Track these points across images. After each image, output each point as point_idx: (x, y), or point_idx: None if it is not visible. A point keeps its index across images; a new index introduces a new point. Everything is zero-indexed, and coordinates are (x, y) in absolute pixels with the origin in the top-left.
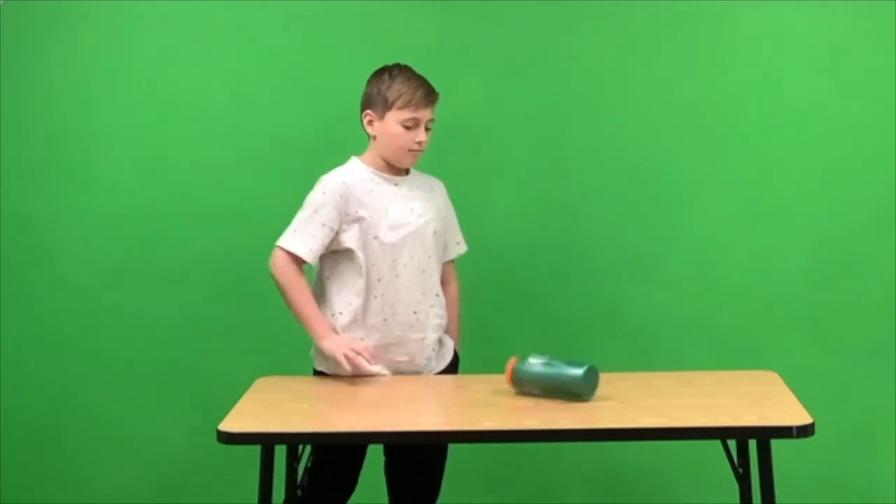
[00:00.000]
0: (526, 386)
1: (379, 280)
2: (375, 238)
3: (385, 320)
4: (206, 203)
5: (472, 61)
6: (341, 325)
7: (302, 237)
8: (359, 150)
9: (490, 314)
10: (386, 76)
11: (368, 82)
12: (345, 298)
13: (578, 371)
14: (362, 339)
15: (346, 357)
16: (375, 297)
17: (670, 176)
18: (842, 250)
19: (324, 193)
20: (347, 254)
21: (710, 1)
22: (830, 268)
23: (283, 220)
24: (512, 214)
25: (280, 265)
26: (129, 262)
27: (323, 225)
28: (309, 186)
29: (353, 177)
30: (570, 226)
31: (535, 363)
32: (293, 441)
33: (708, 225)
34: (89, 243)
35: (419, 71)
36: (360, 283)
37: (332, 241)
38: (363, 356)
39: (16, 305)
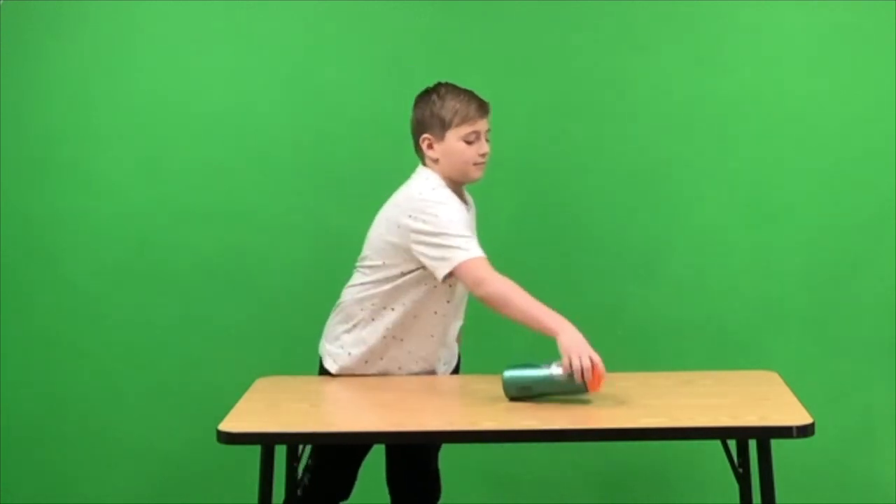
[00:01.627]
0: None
1: (437, 310)
2: None
3: (432, 336)
4: (207, 203)
5: (472, 61)
6: (376, 342)
7: (470, 241)
8: (357, 150)
9: (490, 314)
10: (435, 97)
11: (416, 107)
12: (400, 320)
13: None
14: (410, 352)
15: (581, 367)
16: (435, 314)
17: (671, 176)
18: (842, 250)
19: (445, 203)
20: (420, 275)
21: (710, 1)
22: (830, 268)
23: (284, 220)
24: (512, 214)
25: (488, 277)
26: (129, 262)
27: (468, 226)
28: (309, 185)
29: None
30: (570, 226)
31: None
32: (293, 441)
33: (708, 225)
34: (89, 243)
35: (419, 71)
36: (425, 305)
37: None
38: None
39: (16, 305)
